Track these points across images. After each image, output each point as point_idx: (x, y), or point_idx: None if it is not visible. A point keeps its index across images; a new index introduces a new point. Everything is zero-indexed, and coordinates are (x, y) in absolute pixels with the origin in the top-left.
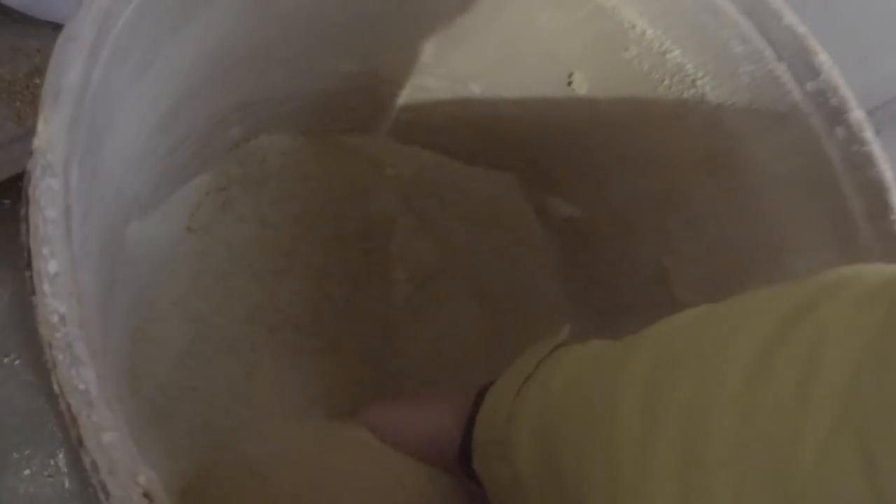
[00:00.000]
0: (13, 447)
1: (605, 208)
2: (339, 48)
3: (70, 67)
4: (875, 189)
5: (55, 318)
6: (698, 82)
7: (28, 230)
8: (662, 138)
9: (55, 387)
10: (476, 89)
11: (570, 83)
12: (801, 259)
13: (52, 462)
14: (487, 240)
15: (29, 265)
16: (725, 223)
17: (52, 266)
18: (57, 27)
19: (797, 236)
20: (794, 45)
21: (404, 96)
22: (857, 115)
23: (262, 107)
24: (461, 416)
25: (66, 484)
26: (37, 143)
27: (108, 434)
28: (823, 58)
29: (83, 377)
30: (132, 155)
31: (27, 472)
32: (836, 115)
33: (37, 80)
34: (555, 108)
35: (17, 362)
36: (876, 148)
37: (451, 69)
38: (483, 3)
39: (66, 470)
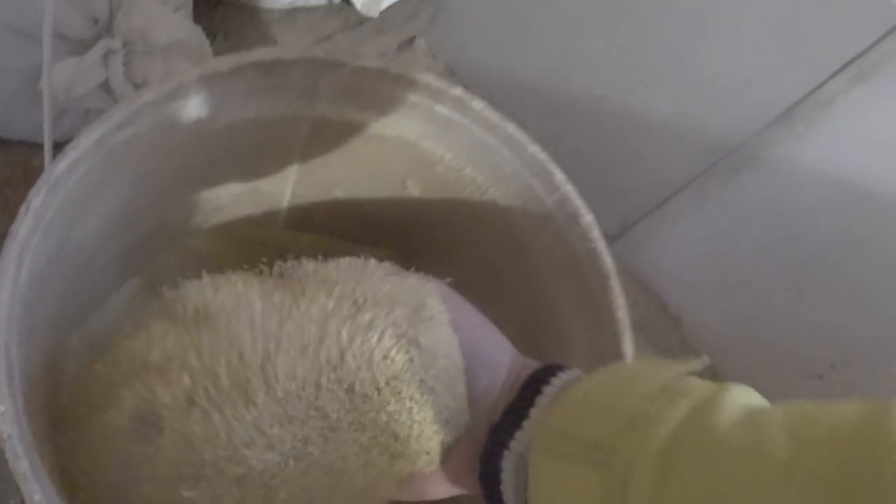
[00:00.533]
0: None
1: (459, 278)
2: (223, 179)
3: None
4: (602, 275)
5: (4, 435)
6: (489, 191)
7: None
8: (476, 230)
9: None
10: (340, 193)
11: (405, 187)
12: (574, 321)
13: None
14: None
15: None
16: (527, 293)
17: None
18: (25, 144)
19: (569, 305)
20: (539, 166)
21: (288, 201)
22: (588, 219)
23: (174, 225)
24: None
25: None
26: None
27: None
28: (560, 177)
29: (22, 466)
30: (58, 291)
31: None
32: (574, 218)
33: (7, 191)
34: (400, 204)
35: None
36: (601, 245)
37: (317, 181)
38: (330, 132)
39: None
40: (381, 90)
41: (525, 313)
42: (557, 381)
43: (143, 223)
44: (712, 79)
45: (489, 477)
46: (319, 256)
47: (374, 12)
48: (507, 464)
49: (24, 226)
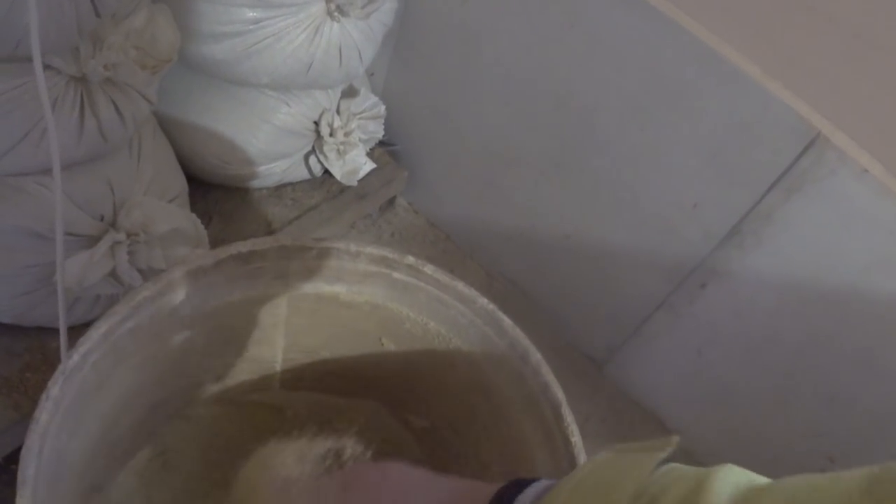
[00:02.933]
0: None
1: (441, 420)
2: (218, 354)
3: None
4: (555, 406)
5: None
6: (452, 341)
7: None
8: (449, 374)
9: None
10: (326, 354)
11: (382, 344)
12: (539, 452)
13: None
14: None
15: None
16: (499, 429)
17: None
18: (41, 329)
19: (532, 436)
20: (489, 316)
21: (280, 365)
22: (536, 357)
23: (178, 398)
24: None
25: None
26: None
27: None
28: (508, 323)
29: None
30: (80, 464)
31: None
32: (524, 358)
33: (27, 374)
34: (380, 358)
35: None
36: (550, 378)
37: (304, 346)
38: (308, 304)
39: None
40: (345, 265)
41: (501, 448)
42: (527, 495)
43: (149, 399)
44: (664, 206)
45: None
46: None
47: (352, 181)
48: None
49: (45, 411)
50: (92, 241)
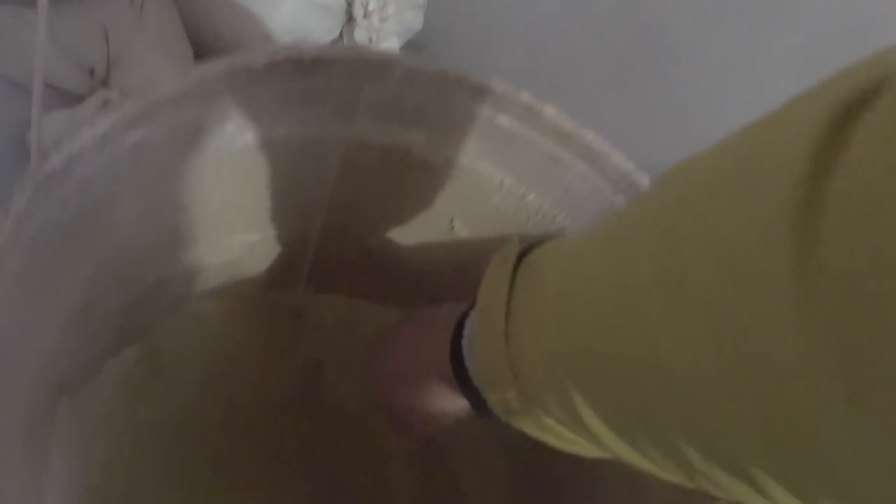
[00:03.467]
0: None
1: None
2: (239, 226)
3: None
4: None
5: None
6: (557, 218)
7: None
8: None
9: None
10: (373, 242)
11: (452, 228)
12: None
13: None
14: None
15: None
16: None
17: None
18: None
19: None
20: (624, 179)
21: (310, 255)
22: None
23: (178, 283)
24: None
25: None
26: None
27: None
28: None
29: None
30: (46, 349)
31: None
32: None
33: None
34: (444, 250)
35: None
36: None
37: (347, 227)
38: (368, 160)
39: None
40: (433, 101)
41: None
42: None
43: (145, 274)
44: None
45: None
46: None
47: None
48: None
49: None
50: (78, 100)
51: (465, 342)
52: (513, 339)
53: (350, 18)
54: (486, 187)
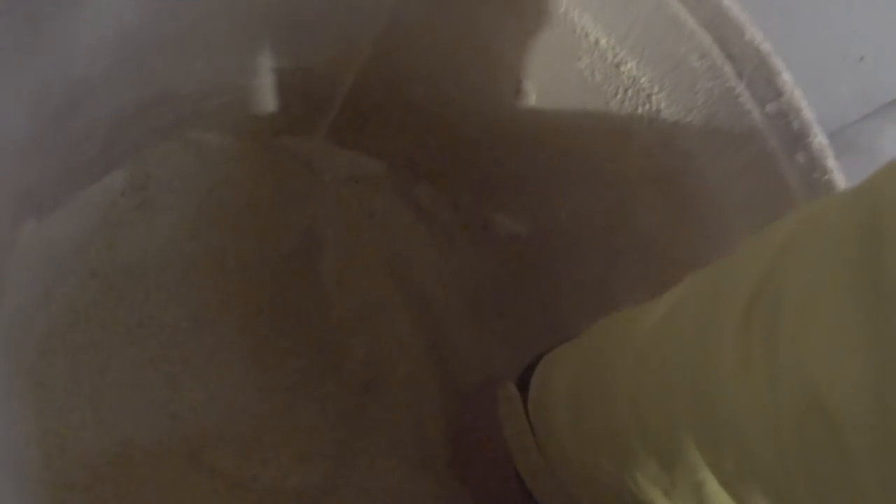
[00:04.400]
0: None
1: (551, 225)
2: (266, 43)
3: None
4: None
5: None
6: (653, 97)
7: None
8: (613, 154)
9: None
10: (419, 91)
11: (518, 91)
12: None
13: None
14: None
15: None
16: (673, 243)
17: None
18: None
19: None
20: (755, 62)
21: (341, 96)
22: (820, 140)
23: (182, 102)
24: None
25: None
26: None
27: None
28: (786, 77)
29: None
30: (13, 148)
31: None
32: (798, 139)
33: None
34: (502, 117)
35: None
36: (838, 176)
37: (391, 69)
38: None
39: None
40: None
41: (668, 271)
42: None
43: (146, 78)
44: (820, 50)
45: None
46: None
47: None
48: None
49: None
50: None
51: None
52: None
53: None
54: (576, 46)
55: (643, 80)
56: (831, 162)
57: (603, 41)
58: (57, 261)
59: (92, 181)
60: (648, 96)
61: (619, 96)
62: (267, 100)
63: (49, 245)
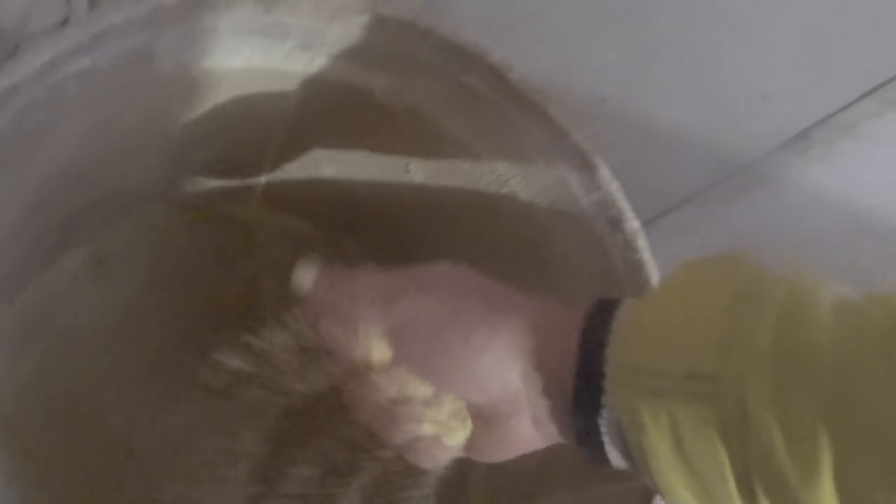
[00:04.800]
0: None
1: None
2: (192, 144)
3: None
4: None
5: None
6: (510, 182)
7: None
8: (489, 225)
9: None
10: (329, 172)
11: (408, 171)
12: None
13: None
14: None
15: None
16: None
17: None
18: None
19: None
20: (580, 158)
21: (266, 175)
22: (633, 224)
23: (127, 194)
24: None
25: None
26: None
27: None
28: (604, 172)
29: None
30: None
31: None
32: (615, 223)
33: None
34: (398, 191)
35: None
36: (647, 255)
37: (305, 154)
38: (329, 96)
39: None
40: (401, 48)
41: None
42: (617, 322)
43: (93, 184)
44: (728, 91)
45: (585, 441)
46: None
47: None
48: (604, 426)
49: None
50: None
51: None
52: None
53: None
54: (444, 139)
55: (499, 168)
56: (642, 242)
57: (463, 137)
58: (27, 328)
59: (55, 262)
60: (506, 181)
61: (483, 180)
62: (202, 182)
63: (19, 317)
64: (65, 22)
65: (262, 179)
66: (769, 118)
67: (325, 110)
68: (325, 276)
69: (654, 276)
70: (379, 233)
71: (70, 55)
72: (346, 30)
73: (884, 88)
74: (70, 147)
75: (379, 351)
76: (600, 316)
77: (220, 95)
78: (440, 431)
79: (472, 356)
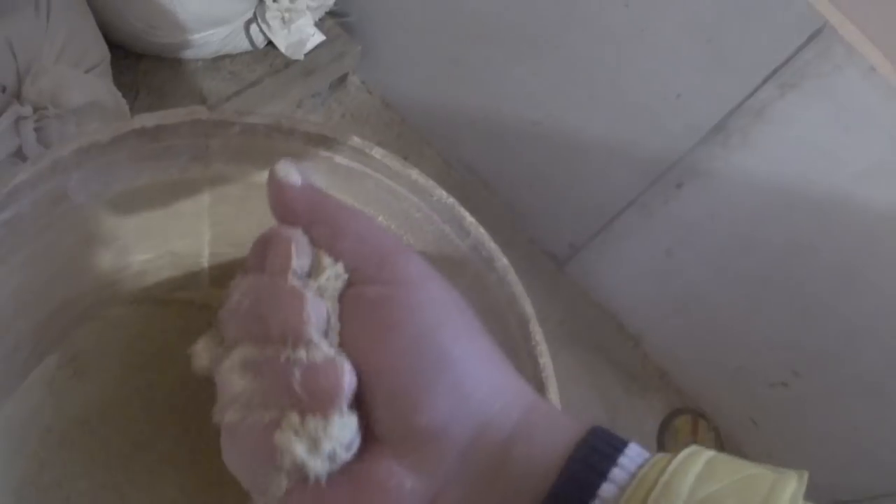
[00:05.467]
0: None
1: None
2: (132, 247)
3: None
4: (523, 321)
5: None
6: (403, 238)
7: None
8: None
9: None
10: None
11: None
12: None
13: None
14: None
15: None
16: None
17: None
18: None
19: None
20: (449, 212)
21: (207, 260)
22: (503, 262)
23: (82, 302)
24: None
25: None
26: None
27: None
28: (470, 221)
29: None
30: None
31: None
32: (489, 263)
33: None
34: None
35: None
36: (519, 290)
37: (233, 238)
38: (234, 191)
39: None
40: (277, 145)
41: None
42: (623, 471)
43: (50, 299)
44: (644, 96)
45: None
46: None
47: (299, 54)
48: None
49: None
50: None
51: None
52: None
53: (261, 1)
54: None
55: (392, 226)
56: (513, 277)
57: (356, 205)
58: (18, 429)
59: (32, 370)
60: (400, 237)
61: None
62: (153, 275)
63: (7, 422)
64: (17, 152)
65: (205, 264)
66: (686, 115)
67: (235, 201)
68: None
69: (527, 307)
70: None
71: None
72: (226, 141)
73: (781, 71)
74: (17, 275)
75: None
76: (595, 455)
77: (140, 209)
78: None
79: None
